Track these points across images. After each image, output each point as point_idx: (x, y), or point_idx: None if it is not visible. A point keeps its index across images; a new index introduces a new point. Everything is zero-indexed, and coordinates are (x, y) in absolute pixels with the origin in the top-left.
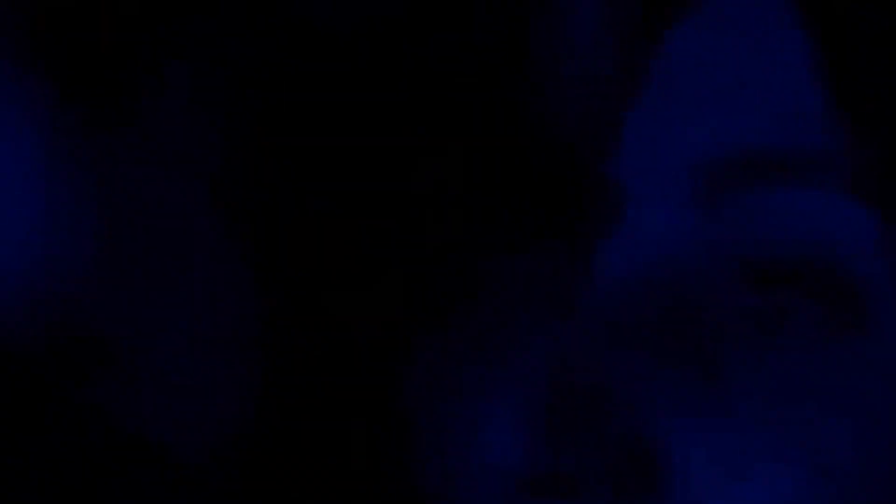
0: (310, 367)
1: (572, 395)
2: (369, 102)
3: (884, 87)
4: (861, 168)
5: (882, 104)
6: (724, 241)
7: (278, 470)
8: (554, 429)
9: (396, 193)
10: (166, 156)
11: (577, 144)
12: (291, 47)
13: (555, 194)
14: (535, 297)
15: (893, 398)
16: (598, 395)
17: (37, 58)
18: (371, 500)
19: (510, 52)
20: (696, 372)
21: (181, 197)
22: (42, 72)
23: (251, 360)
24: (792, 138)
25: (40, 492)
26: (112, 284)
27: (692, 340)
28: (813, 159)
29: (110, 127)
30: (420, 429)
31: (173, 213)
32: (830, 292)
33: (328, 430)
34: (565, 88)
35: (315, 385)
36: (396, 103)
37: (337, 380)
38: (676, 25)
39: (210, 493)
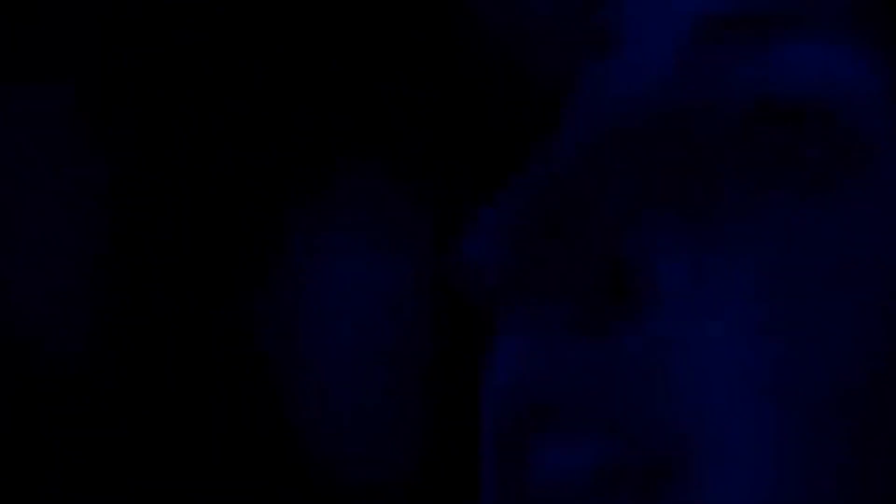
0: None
1: (557, 205)
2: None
3: None
4: (861, 15)
5: None
6: (721, 83)
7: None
8: (534, 234)
9: None
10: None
11: None
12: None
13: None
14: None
15: (887, 251)
16: (583, 208)
17: None
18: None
19: None
20: (687, 204)
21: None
22: None
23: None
24: None
25: None
26: None
27: (685, 173)
28: (810, 9)
29: None
30: None
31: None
32: (830, 136)
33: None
34: None
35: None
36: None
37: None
38: None
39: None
